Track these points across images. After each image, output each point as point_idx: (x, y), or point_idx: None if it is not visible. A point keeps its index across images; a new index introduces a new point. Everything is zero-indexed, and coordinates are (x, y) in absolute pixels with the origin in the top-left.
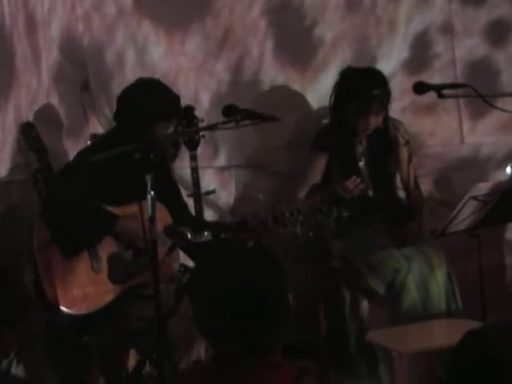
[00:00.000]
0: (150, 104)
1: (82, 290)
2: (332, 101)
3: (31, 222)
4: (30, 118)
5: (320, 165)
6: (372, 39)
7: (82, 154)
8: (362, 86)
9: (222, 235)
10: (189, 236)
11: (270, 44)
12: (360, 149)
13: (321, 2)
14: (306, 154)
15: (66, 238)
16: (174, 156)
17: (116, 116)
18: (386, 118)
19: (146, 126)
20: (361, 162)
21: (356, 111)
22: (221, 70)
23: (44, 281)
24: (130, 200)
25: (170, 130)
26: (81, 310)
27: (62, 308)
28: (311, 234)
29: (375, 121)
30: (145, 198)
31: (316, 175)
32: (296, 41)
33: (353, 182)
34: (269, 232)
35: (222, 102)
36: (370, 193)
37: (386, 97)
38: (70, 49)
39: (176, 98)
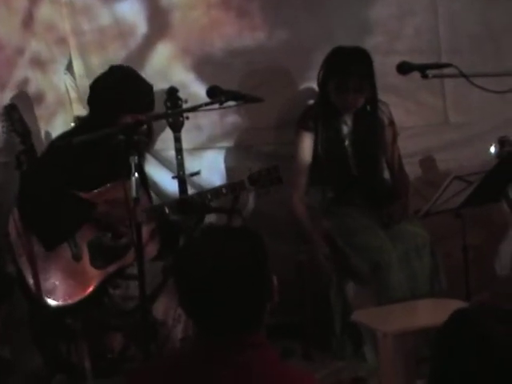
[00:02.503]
0: (117, 97)
1: (65, 281)
2: (319, 78)
3: (7, 211)
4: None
5: (306, 144)
6: None
7: (64, 136)
8: (341, 62)
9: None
10: (167, 211)
11: None
12: (345, 129)
13: None
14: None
15: (45, 232)
16: (147, 144)
17: (88, 103)
18: (374, 100)
19: (113, 116)
20: (346, 142)
21: (335, 87)
22: None
23: (26, 273)
24: (109, 181)
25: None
26: (66, 300)
27: (47, 300)
28: None
29: (356, 99)
30: (122, 179)
31: (303, 155)
32: None
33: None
34: (246, 193)
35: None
36: (355, 173)
37: (365, 74)
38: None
39: (147, 90)
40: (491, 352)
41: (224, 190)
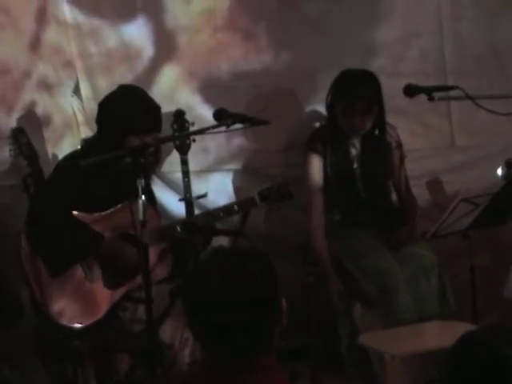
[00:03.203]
0: (125, 116)
1: (79, 303)
2: (328, 101)
3: (18, 233)
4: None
5: (316, 166)
6: None
7: (69, 158)
8: (348, 84)
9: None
10: (178, 229)
11: None
12: (353, 152)
13: None
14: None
15: (50, 257)
16: (154, 166)
17: (96, 122)
18: (382, 123)
19: (120, 137)
20: (355, 165)
21: (342, 110)
22: None
23: (38, 296)
24: (117, 203)
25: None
26: (78, 323)
27: (61, 322)
28: None
29: (363, 121)
30: (130, 201)
31: (315, 177)
32: None
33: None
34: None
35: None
36: (363, 195)
37: (373, 97)
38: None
39: (154, 111)
40: (501, 373)
41: (236, 207)
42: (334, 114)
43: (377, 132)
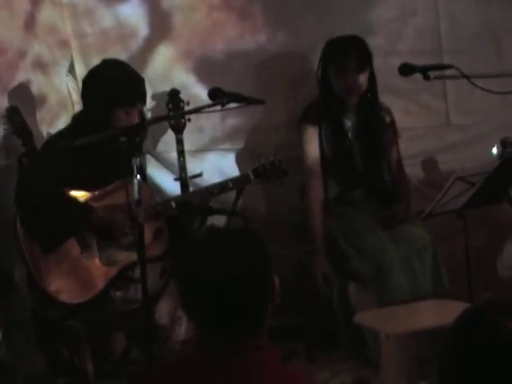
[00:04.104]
0: (110, 89)
1: (75, 279)
2: (318, 73)
3: (15, 212)
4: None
5: (312, 138)
6: None
7: (59, 135)
8: (336, 47)
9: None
10: (173, 206)
11: None
12: (348, 123)
13: None
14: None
15: (42, 234)
16: (142, 139)
17: (82, 97)
18: (374, 88)
19: (106, 111)
20: (349, 136)
21: (334, 72)
22: None
23: (36, 273)
24: (111, 182)
25: (133, 114)
26: (77, 299)
27: (58, 299)
28: None
29: (356, 80)
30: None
31: (311, 149)
32: None
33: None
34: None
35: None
36: (361, 170)
37: (362, 54)
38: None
39: (139, 83)
40: (505, 347)
41: (230, 184)
42: (327, 83)
43: (369, 96)
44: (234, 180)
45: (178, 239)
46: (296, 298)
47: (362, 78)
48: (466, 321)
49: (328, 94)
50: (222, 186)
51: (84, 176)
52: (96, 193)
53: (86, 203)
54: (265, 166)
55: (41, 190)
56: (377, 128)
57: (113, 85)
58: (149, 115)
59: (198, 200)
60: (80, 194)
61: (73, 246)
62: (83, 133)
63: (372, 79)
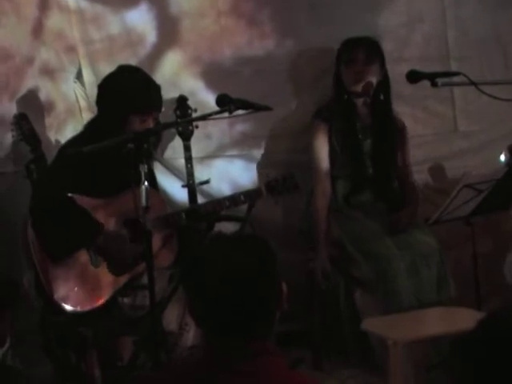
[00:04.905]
0: (126, 95)
1: (84, 287)
2: (334, 71)
3: (26, 219)
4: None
5: (322, 135)
6: None
7: (72, 142)
8: (348, 42)
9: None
10: (183, 217)
11: None
12: (359, 124)
13: None
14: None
15: (51, 245)
16: (155, 145)
17: (97, 103)
18: (387, 89)
19: (121, 117)
20: (360, 137)
21: (344, 63)
22: None
23: (44, 280)
24: (119, 190)
25: (149, 121)
26: (84, 307)
27: (65, 306)
28: None
29: (364, 70)
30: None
31: (320, 146)
32: None
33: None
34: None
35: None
36: (370, 172)
37: (372, 49)
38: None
39: (155, 90)
40: None
41: (242, 198)
42: (340, 82)
43: (382, 97)
44: (246, 193)
45: (186, 246)
46: (303, 304)
47: (370, 71)
48: (487, 328)
49: (340, 93)
50: (234, 200)
51: (95, 182)
52: (108, 198)
53: (96, 220)
54: (277, 181)
55: (54, 201)
56: (388, 130)
57: (129, 91)
58: None
59: (208, 211)
60: (91, 201)
61: (81, 254)
62: (96, 139)
63: (385, 81)
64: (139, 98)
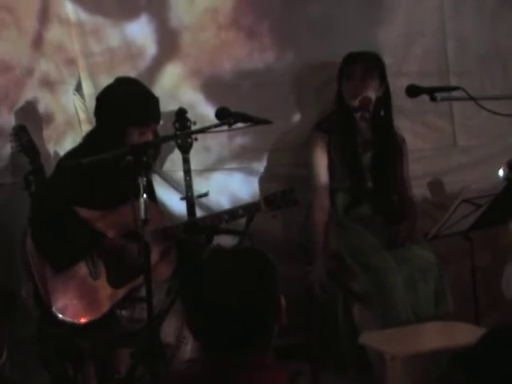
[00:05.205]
0: (124, 107)
1: (82, 299)
2: (336, 87)
3: (24, 230)
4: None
5: (321, 147)
6: None
7: (71, 154)
8: (349, 57)
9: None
10: (182, 230)
11: None
12: (359, 138)
13: None
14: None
15: (54, 253)
16: (154, 158)
17: (95, 115)
18: (387, 102)
19: (120, 129)
20: (360, 150)
21: (344, 78)
22: None
23: (43, 291)
24: (118, 202)
25: (148, 133)
26: (82, 319)
27: (63, 318)
28: None
29: (362, 86)
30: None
31: (319, 158)
32: None
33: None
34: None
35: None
36: (370, 186)
37: (372, 63)
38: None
39: (153, 102)
40: None
41: (241, 212)
42: (341, 96)
43: (382, 113)
44: (245, 207)
45: (184, 259)
46: (303, 317)
47: (368, 87)
48: (492, 342)
49: (341, 107)
50: (233, 213)
51: (94, 195)
52: (108, 211)
53: (97, 230)
54: (276, 195)
55: (53, 213)
56: (388, 145)
57: (127, 103)
58: None
59: (206, 224)
60: (89, 213)
61: (80, 266)
62: (95, 151)
63: (386, 97)
64: (137, 110)
